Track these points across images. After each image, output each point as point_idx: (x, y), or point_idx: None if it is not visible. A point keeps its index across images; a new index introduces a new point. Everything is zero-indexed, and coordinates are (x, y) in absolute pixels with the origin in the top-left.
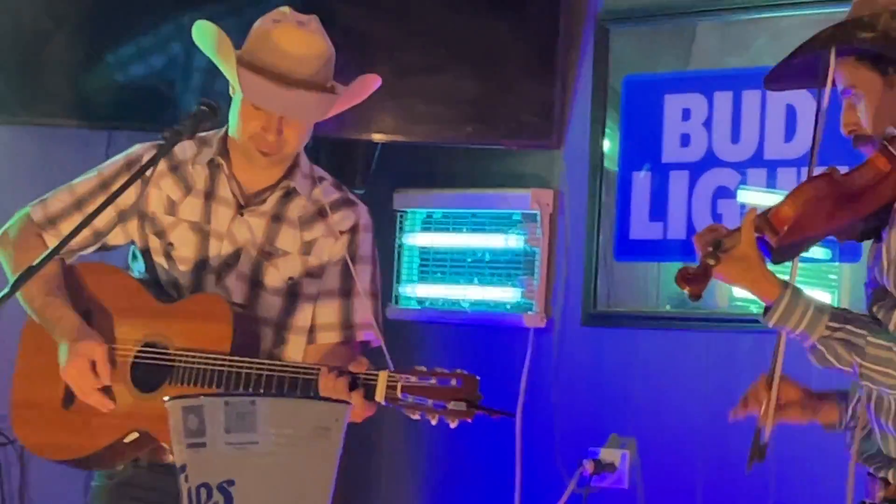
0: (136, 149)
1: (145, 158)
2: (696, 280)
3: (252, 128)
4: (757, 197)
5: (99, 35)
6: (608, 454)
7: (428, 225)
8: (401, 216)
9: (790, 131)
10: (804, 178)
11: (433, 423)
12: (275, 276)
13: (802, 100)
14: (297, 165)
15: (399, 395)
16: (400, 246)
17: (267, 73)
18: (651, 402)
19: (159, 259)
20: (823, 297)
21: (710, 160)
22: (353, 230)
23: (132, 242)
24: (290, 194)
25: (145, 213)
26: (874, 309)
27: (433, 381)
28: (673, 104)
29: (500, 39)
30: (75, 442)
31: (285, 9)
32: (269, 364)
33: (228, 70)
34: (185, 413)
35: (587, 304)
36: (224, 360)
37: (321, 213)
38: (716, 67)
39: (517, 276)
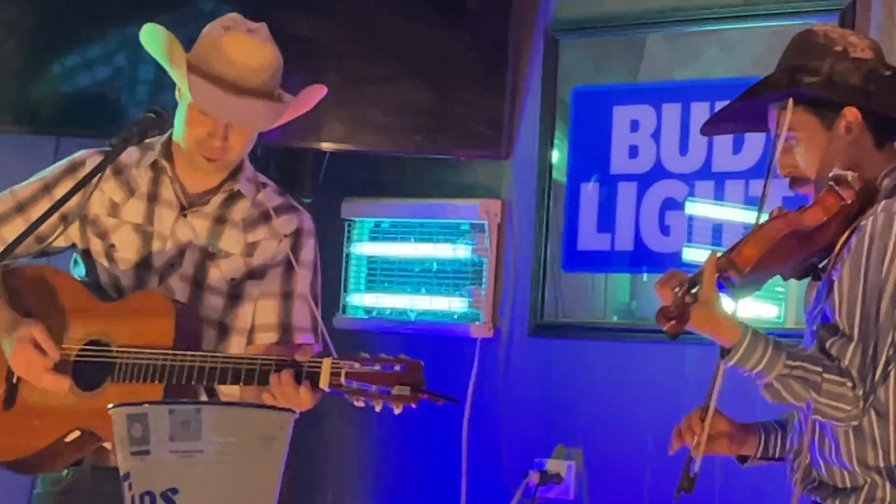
0: (79, 154)
1: (89, 164)
2: (677, 319)
3: (198, 133)
4: (705, 209)
5: (47, 42)
6: (554, 465)
7: (376, 234)
8: (349, 225)
9: (738, 144)
10: (751, 190)
11: (377, 409)
12: (217, 277)
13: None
14: (242, 169)
15: (343, 381)
16: (348, 255)
17: (216, 80)
18: (598, 413)
19: (101, 261)
20: (770, 310)
21: (659, 172)
22: (297, 234)
23: (73, 246)
24: (234, 197)
25: (87, 216)
26: (828, 344)
27: (377, 367)
28: (621, 116)
29: (449, 49)
30: (16, 443)
31: (235, 15)
32: (212, 356)
33: (178, 75)
34: (129, 421)
35: (534, 314)
36: (167, 354)
37: (265, 217)
38: (665, 79)
39: (465, 286)
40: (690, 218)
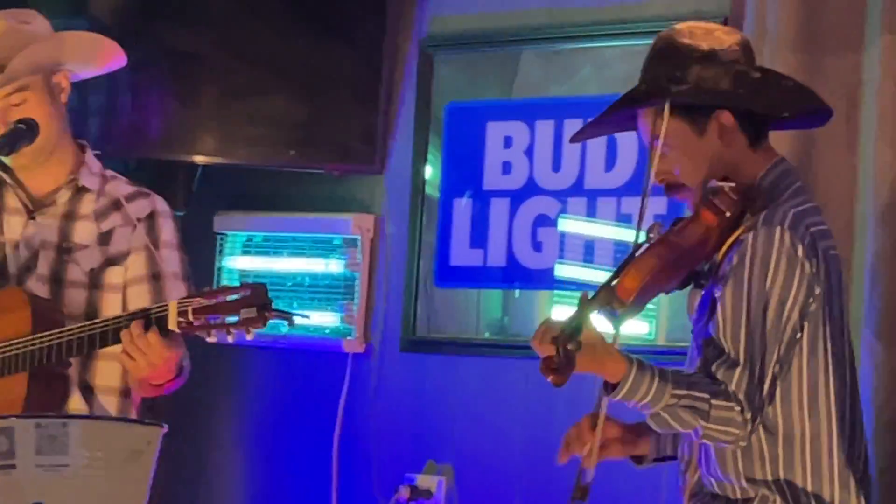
0: None
1: None
2: (561, 370)
3: None
4: (577, 226)
5: None
6: (425, 481)
7: (248, 248)
8: (221, 239)
9: (610, 161)
10: (623, 208)
11: (230, 339)
12: (75, 270)
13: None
14: (85, 164)
15: (192, 318)
16: (220, 269)
17: None
18: (469, 428)
19: None
20: (641, 327)
21: (531, 188)
22: (151, 216)
23: None
24: (80, 192)
25: None
26: (713, 367)
27: (222, 297)
28: (495, 132)
29: (324, 64)
30: None
31: None
32: (67, 330)
33: None
34: None
35: (407, 329)
36: (24, 341)
37: (116, 205)
38: (539, 96)
39: (337, 300)
40: (563, 234)
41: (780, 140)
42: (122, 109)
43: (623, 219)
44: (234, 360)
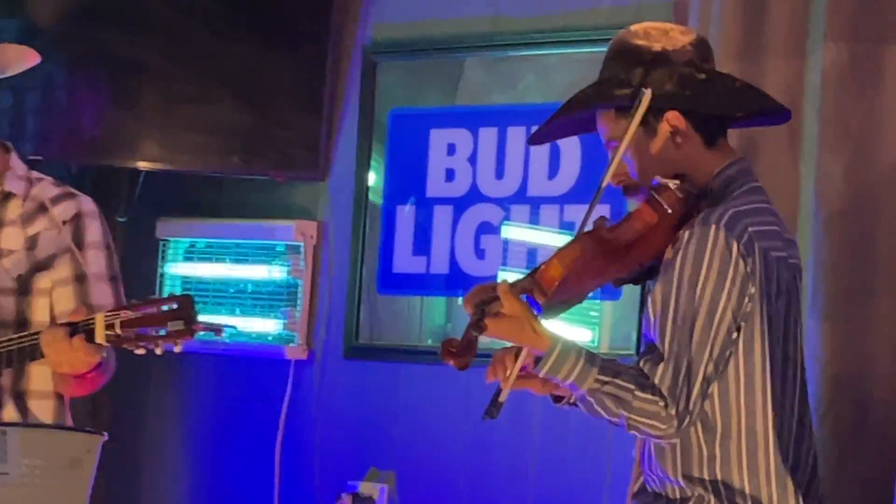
0: None
1: None
2: (461, 354)
3: None
4: (520, 233)
5: None
6: (367, 488)
7: (191, 254)
8: (163, 245)
9: (553, 169)
10: (566, 215)
11: (158, 352)
12: (4, 277)
13: (566, 139)
14: (10, 168)
15: (119, 331)
16: (162, 275)
17: None
18: (412, 435)
19: None
20: (584, 334)
21: (475, 195)
22: (77, 218)
23: None
24: (6, 198)
25: None
26: (641, 362)
27: (149, 309)
28: (438, 139)
29: (268, 70)
30: None
31: None
32: None
33: None
34: None
35: (349, 336)
36: None
37: (42, 209)
38: (482, 103)
39: (280, 307)
40: (506, 242)
41: None
42: (63, 115)
43: (566, 226)
44: (176, 367)
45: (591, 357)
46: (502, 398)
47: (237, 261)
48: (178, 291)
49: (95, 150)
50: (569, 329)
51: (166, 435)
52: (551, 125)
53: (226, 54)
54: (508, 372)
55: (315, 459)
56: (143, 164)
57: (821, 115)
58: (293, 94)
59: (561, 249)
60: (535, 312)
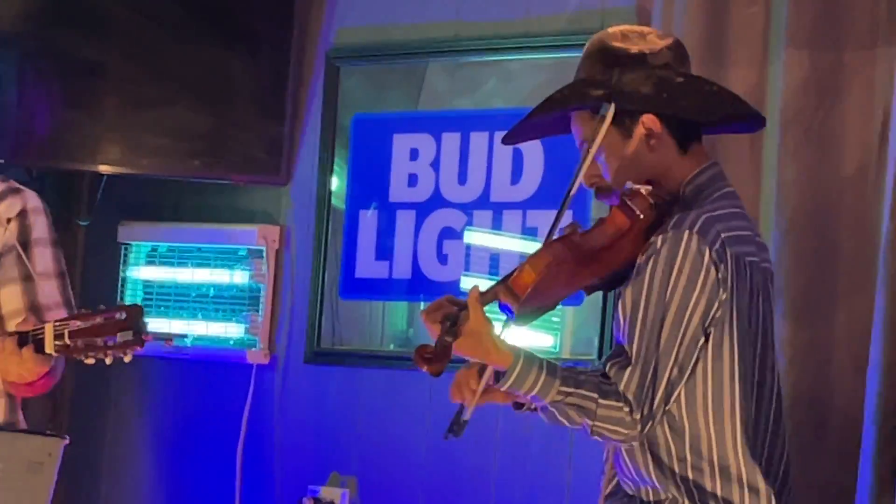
0: None
1: None
2: (436, 359)
3: None
4: (482, 238)
5: None
6: (328, 493)
7: (152, 258)
8: (125, 249)
9: (516, 174)
10: (529, 221)
11: (108, 362)
12: None
13: (529, 144)
14: None
15: (68, 341)
16: (123, 279)
17: None
18: (373, 440)
19: None
20: (546, 340)
21: (437, 201)
22: (22, 215)
23: None
24: None
25: None
26: (608, 366)
27: (99, 319)
28: (401, 144)
29: (229, 74)
30: None
31: None
32: None
33: None
34: None
35: (311, 341)
36: None
37: None
38: (445, 108)
39: (242, 312)
40: (468, 247)
41: None
42: (23, 118)
43: (529, 232)
44: (138, 370)
45: (552, 368)
46: (466, 416)
47: (199, 265)
48: (139, 295)
49: (57, 153)
50: (531, 334)
51: (127, 438)
52: (525, 125)
53: (189, 58)
54: (472, 392)
55: (276, 464)
56: (104, 168)
57: (781, 120)
58: (255, 98)
59: (533, 255)
60: (509, 318)
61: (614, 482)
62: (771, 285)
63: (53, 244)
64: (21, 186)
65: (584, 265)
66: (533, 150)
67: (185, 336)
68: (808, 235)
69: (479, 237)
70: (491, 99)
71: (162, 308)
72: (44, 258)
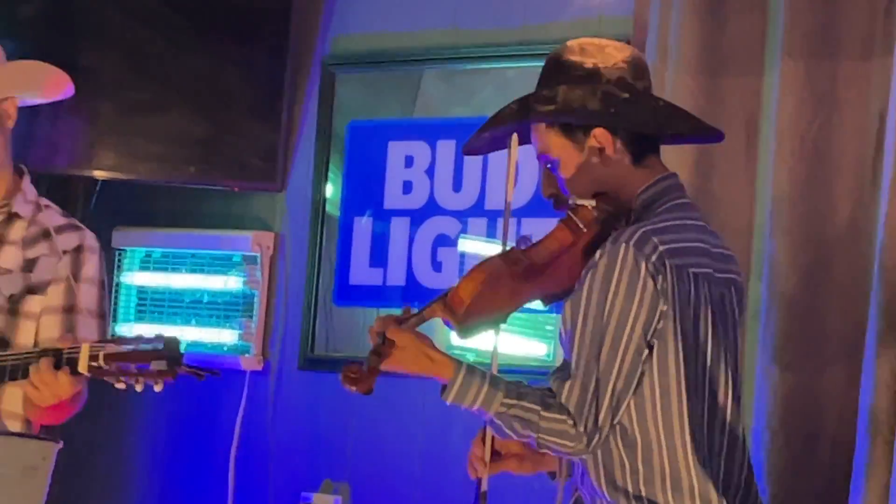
0: None
1: None
2: (361, 380)
3: None
4: (477, 246)
5: None
6: (321, 499)
7: (147, 264)
8: (119, 254)
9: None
10: (523, 229)
11: (138, 389)
12: None
13: (524, 151)
14: (21, 191)
15: (102, 363)
16: (118, 285)
17: None
18: (366, 447)
19: None
20: (540, 348)
21: (432, 208)
22: (78, 250)
23: None
24: (12, 218)
25: None
26: (551, 379)
27: (135, 346)
28: (396, 151)
29: (225, 80)
30: None
31: None
32: None
33: None
34: None
35: (305, 347)
36: None
37: (45, 235)
38: (440, 116)
39: (235, 317)
40: (462, 254)
41: (681, 164)
42: (19, 123)
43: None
44: None
45: (495, 381)
46: (484, 487)
47: (193, 271)
48: (133, 301)
49: (51, 158)
50: (526, 343)
51: (121, 444)
52: (482, 137)
53: (184, 64)
54: (481, 460)
55: (270, 470)
56: (99, 174)
57: (776, 129)
58: (251, 104)
59: (469, 271)
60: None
61: (576, 495)
62: (736, 294)
63: (101, 286)
64: (81, 224)
65: (526, 280)
66: (528, 158)
67: (208, 374)
68: (802, 246)
69: (473, 245)
70: (487, 107)
71: (156, 314)
72: (89, 296)
